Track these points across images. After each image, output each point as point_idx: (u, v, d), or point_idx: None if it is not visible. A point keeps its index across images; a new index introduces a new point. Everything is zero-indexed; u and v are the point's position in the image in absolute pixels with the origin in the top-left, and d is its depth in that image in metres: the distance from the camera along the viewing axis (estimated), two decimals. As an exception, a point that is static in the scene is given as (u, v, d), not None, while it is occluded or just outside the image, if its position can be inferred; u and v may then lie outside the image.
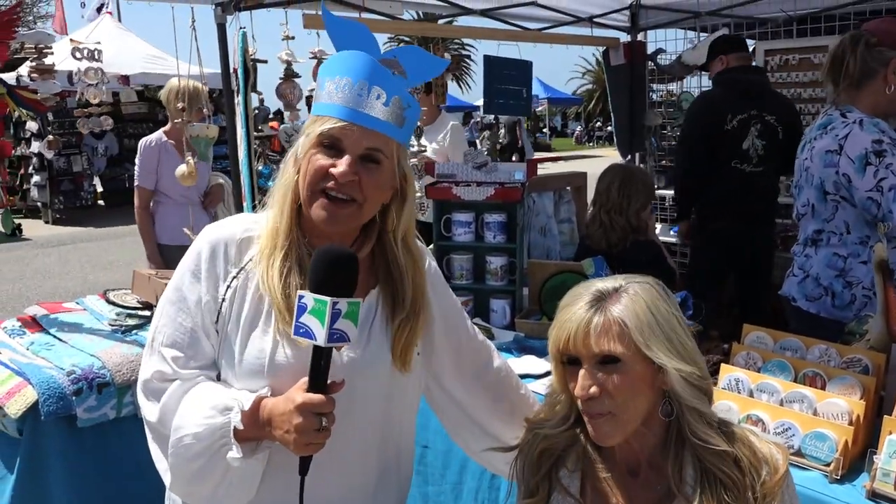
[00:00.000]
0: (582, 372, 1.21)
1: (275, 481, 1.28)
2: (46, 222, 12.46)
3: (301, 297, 1.17)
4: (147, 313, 2.78)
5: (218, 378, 1.33)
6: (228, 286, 1.31)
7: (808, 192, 2.58)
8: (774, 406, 1.80)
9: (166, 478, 1.33)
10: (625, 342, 1.18)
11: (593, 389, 1.19)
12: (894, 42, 2.43)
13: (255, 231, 1.34)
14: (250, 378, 1.28)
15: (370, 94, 1.25)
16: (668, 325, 1.20)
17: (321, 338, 1.15)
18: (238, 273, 1.31)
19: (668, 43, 5.47)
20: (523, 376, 2.33)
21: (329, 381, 1.20)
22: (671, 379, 1.19)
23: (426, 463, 2.46)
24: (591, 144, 31.04)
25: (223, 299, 1.30)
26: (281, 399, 1.21)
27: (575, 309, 1.22)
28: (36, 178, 12.41)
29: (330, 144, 1.26)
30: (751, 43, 5.39)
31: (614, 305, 1.20)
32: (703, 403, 1.22)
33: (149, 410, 1.31)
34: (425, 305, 1.39)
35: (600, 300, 1.22)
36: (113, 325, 2.68)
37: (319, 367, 1.18)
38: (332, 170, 1.24)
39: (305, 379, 1.19)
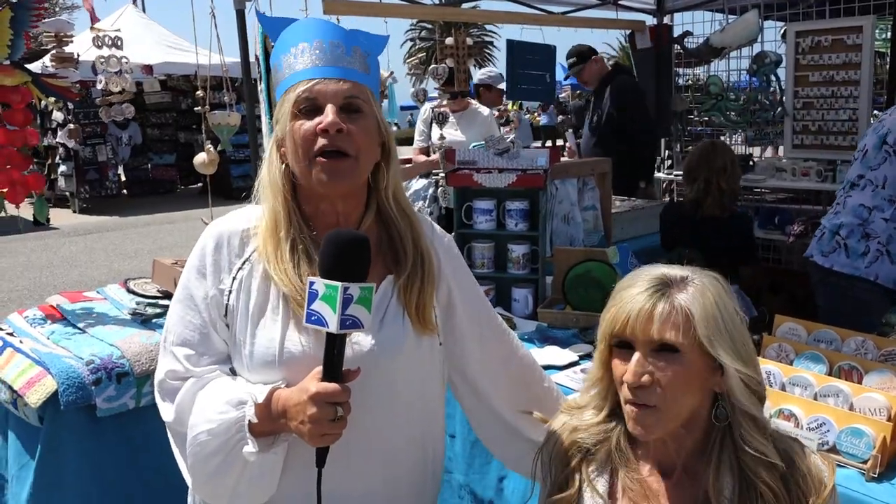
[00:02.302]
0: (636, 357, 1.13)
1: (296, 475, 1.25)
2: (73, 211, 12.62)
3: (311, 283, 1.14)
4: (167, 302, 2.77)
5: (232, 372, 1.31)
6: (234, 278, 1.29)
7: (870, 138, 2.78)
8: (808, 400, 1.73)
9: (188, 477, 1.31)
10: (687, 334, 1.11)
11: (645, 378, 1.11)
12: None
13: (255, 222, 1.32)
14: (263, 369, 1.26)
15: (329, 49, 1.25)
16: (732, 323, 1.13)
17: (333, 324, 1.11)
18: (243, 264, 1.29)
19: (696, 25, 5.36)
20: (546, 367, 2.28)
21: (344, 370, 1.16)
22: (731, 381, 1.12)
23: (455, 451, 2.44)
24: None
25: (229, 291, 1.28)
26: (295, 389, 1.18)
27: (637, 291, 1.14)
28: (62, 168, 12.55)
29: (308, 108, 1.24)
30: (781, 24, 5.26)
31: (680, 294, 1.13)
32: (758, 410, 1.15)
33: (165, 410, 1.30)
34: (430, 259, 1.36)
35: (666, 286, 1.14)
36: (133, 315, 2.67)
37: (333, 355, 1.14)
38: (320, 126, 1.22)
39: (320, 368, 1.16)
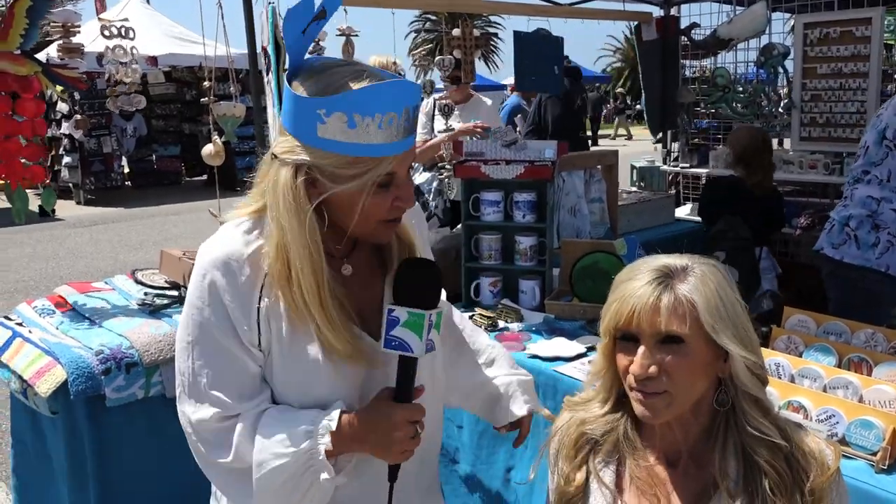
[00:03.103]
0: (642, 350, 1.14)
1: (346, 487, 1.27)
2: (78, 203, 12.64)
3: (391, 311, 1.19)
4: (175, 293, 2.77)
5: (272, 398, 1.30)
6: (258, 308, 1.24)
7: (869, 135, 2.81)
8: (817, 392, 1.73)
9: (226, 494, 1.32)
10: (691, 323, 1.12)
11: (652, 369, 1.13)
12: None
13: (256, 242, 1.25)
14: (307, 389, 1.25)
15: (413, 116, 1.19)
16: (733, 310, 1.14)
17: (419, 350, 1.19)
18: (262, 291, 1.24)
19: (703, 17, 5.34)
20: (553, 359, 2.30)
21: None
22: (736, 366, 1.14)
23: (462, 442, 2.45)
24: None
25: (258, 322, 1.24)
26: (370, 413, 1.22)
27: (639, 284, 1.14)
28: (67, 160, 12.56)
29: (387, 182, 1.20)
30: (789, 16, 5.23)
31: (682, 284, 1.14)
32: (762, 392, 1.17)
33: (219, 454, 1.25)
34: (413, 245, 1.37)
35: (668, 277, 1.14)
36: (141, 305, 2.68)
37: (409, 377, 1.21)
38: (398, 203, 1.22)
39: (386, 389, 1.22)
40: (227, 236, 1.27)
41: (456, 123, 4.58)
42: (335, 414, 1.21)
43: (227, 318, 1.22)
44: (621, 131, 25.53)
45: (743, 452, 1.16)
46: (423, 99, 4.28)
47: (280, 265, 1.20)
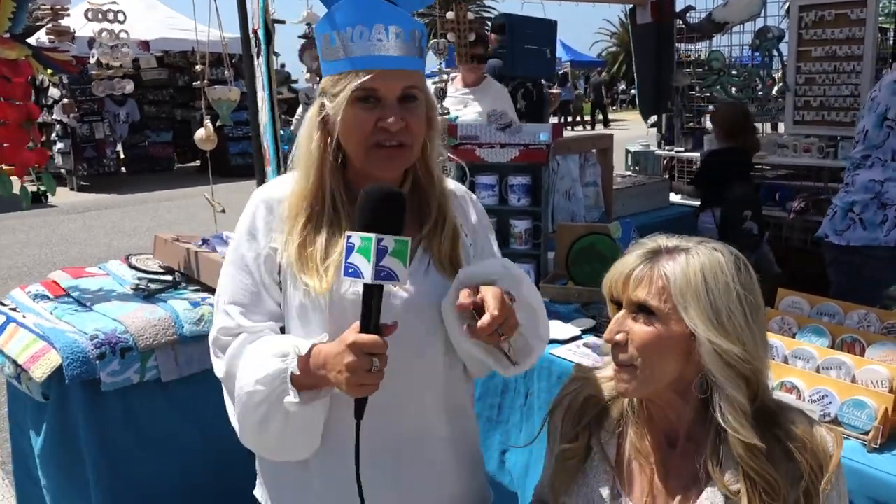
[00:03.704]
0: (616, 316, 1.19)
1: (340, 429, 1.29)
2: (71, 189, 12.57)
3: (349, 237, 1.17)
4: (169, 278, 2.77)
5: (282, 331, 1.35)
6: (286, 239, 1.33)
7: (867, 119, 2.79)
8: (810, 373, 1.74)
9: (237, 427, 1.35)
10: (663, 298, 1.13)
11: (619, 336, 1.17)
12: None
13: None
14: (314, 320, 1.30)
15: (389, 36, 1.24)
16: (721, 295, 1.12)
17: (368, 275, 1.14)
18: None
19: (698, 0, 5.32)
20: (549, 342, 2.30)
21: (382, 323, 1.19)
22: (702, 349, 1.12)
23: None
24: (614, 108, 30.50)
25: (284, 251, 1.32)
26: (335, 342, 1.21)
27: (629, 256, 1.20)
28: (59, 145, 12.47)
29: (365, 97, 1.26)
30: (784, -1, 5.22)
31: (667, 261, 1.15)
32: (735, 387, 1.13)
33: (217, 366, 1.36)
34: (450, 221, 1.39)
35: (656, 253, 1.17)
36: (135, 290, 2.67)
37: (370, 307, 1.17)
38: (382, 123, 1.26)
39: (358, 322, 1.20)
40: (278, 181, 1.41)
41: (455, 107, 4.55)
42: (309, 342, 1.23)
43: (258, 245, 1.34)
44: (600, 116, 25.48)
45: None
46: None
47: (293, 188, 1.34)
